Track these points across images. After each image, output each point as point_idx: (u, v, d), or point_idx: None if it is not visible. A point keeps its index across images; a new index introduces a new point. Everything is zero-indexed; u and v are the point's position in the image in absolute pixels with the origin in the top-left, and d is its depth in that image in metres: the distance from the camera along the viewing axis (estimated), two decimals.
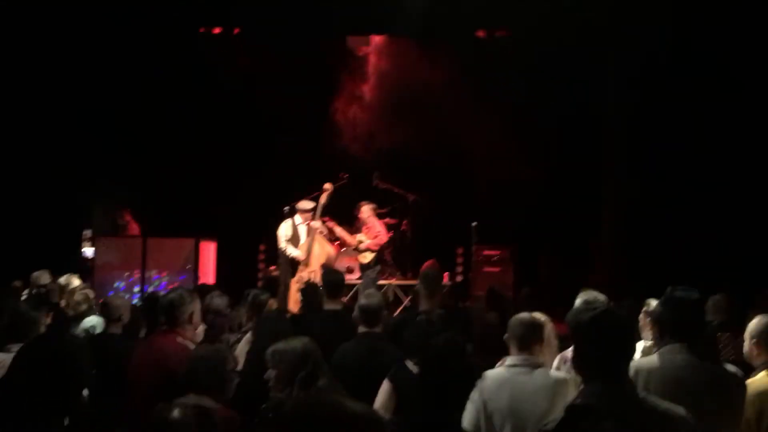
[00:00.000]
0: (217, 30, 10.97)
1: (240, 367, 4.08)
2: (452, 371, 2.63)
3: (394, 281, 10.17)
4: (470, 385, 2.66)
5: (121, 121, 10.43)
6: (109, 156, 10.38)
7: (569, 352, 3.61)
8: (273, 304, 4.83)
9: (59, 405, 2.40)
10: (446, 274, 9.68)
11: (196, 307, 4.24)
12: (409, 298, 9.93)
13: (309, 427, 1.20)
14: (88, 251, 10.45)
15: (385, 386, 3.86)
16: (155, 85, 10.47)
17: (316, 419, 1.20)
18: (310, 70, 10.97)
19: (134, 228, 10.51)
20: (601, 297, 4.07)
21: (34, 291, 6.52)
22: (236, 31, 10.98)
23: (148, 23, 9.80)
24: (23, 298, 6.39)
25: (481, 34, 10.87)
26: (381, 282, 9.88)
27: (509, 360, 3.50)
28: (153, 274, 9.16)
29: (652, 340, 3.51)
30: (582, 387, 2.37)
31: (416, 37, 10.74)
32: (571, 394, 3.33)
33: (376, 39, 11.13)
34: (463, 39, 10.81)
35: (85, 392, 3.57)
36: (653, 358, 3.10)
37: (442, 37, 10.67)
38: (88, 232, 10.78)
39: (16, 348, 3.00)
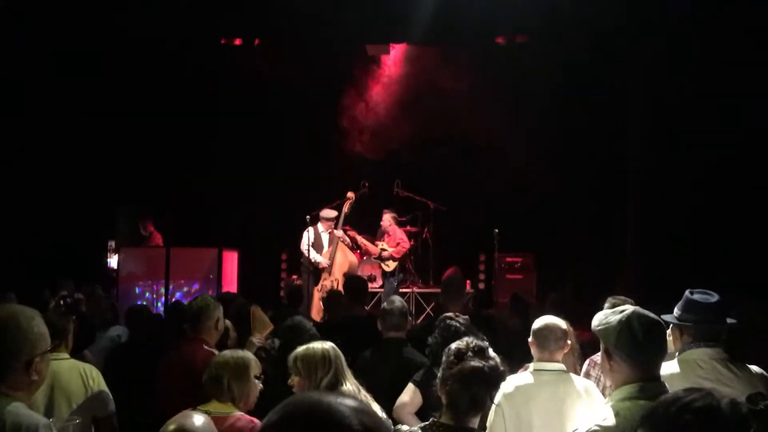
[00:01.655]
0: (238, 41, 11.05)
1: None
2: (476, 374, 2.60)
3: (416, 289, 10.15)
4: (494, 389, 2.64)
5: (145, 132, 10.53)
6: (133, 167, 10.49)
7: (598, 357, 3.58)
8: (256, 312, 4.82)
9: None
10: (468, 282, 9.64)
11: (220, 314, 4.27)
12: (431, 306, 9.89)
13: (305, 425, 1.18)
14: (113, 261, 10.56)
15: (410, 386, 3.85)
16: (177, 97, 10.58)
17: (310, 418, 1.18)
18: (331, 78, 11.01)
19: (157, 238, 10.60)
20: (629, 301, 4.02)
21: (60, 300, 6.59)
22: (257, 42, 11.05)
23: (171, 35, 9.90)
24: (50, 307, 6.45)
25: (500, 40, 10.82)
26: (403, 290, 9.87)
27: (533, 365, 3.48)
28: (176, 283, 9.22)
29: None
30: (616, 390, 2.33)
31: (435, 44, 10.77)
32: (597, 400, 3.29)
33: (396, 47, 11.14)
34: (483, 45, 10.79)
35: (112, 406, 3.60)
36: (673, 363, 3.05)
37: (461, 44, 10.67)
38: (112, 243, 10.89)
39: None
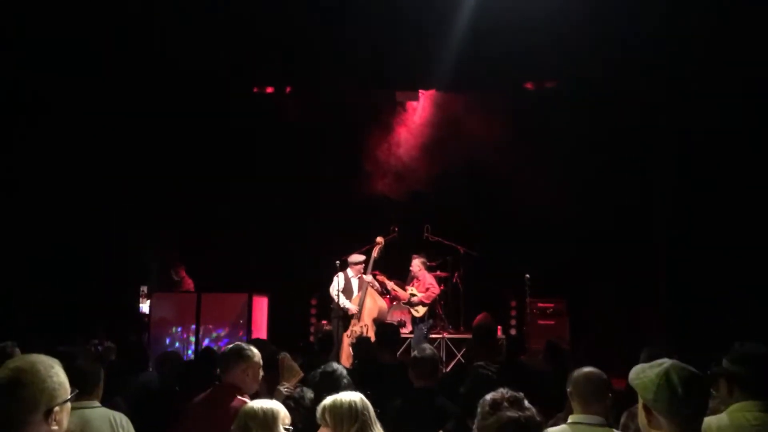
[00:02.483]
0: (270, 89, 11.26)
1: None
2: (513, 426, 2.54)
3: (446, 335, 10.04)
4: None
5: (179, 179, 10.71)
6: (168, 214, 10.65)
7: (636, 408, 3.47)
8: (285, 360, 4.73)
9: None
10: (500, 327, 9.52)
11: (255, 361, 4.18)
12: (462, 352, 9.77)
13: None
14: (145, 307, 10.65)
15: None
16: (209, 144, 10.77)
17: None
18: (362, 125, 11.13)
19: (189, 283, 10.69)
20: (663, 352, 3.92)
21: (92, 347, 6.64)
22: (288, 89, 11.25)
23: (203, 83, 10.12)
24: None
25: (529, 86, 10.88)
26: (433, 335, 9.77)
27: (573, 417, 3.38)
28: (206, 328, 9.25)
29: (717, 397, 3.35)
30: None
31: (463, 91, 10.86)
32: None
33: (425, 93, 11.25)
34: (512, 91, 10.85)
35: None
36: (723, 416, 2.96)
37: (489, 89, 10.74)
38: (144, 288, 11.00)
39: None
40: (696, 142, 8.98)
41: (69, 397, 2.29)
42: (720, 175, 8.75)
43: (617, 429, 3.57)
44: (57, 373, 2.26)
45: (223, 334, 9.12)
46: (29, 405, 2.18)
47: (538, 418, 2.63)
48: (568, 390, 3.43)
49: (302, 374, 4.70)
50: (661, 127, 9.92)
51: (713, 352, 4.19)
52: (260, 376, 4.20)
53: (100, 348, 6.38)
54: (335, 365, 4.42)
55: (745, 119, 8.40)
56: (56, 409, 2.21)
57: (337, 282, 9.17)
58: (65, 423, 2.28)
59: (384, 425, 3.38)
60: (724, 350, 3.32)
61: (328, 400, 3.25)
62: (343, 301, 9.07)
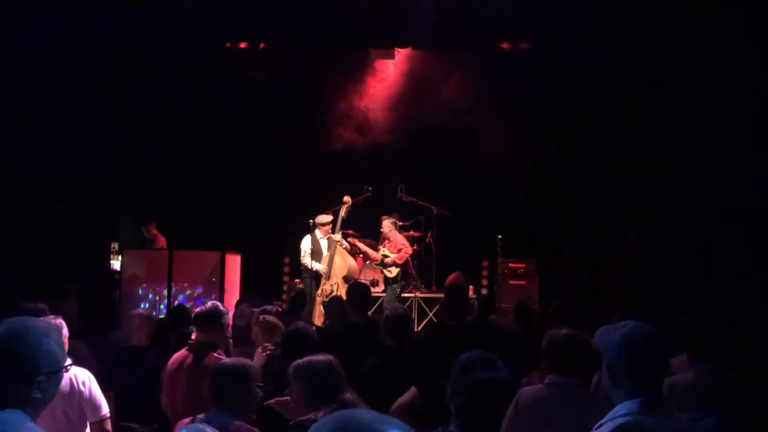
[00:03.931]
0: (243, 44, 11.04)
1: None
2: (485, 385, 2.58)
3: (419, 294, 10.13)
4: (506, 401, 2.62)
5: (148, 136, 10.51)
6: (137, 170, 10.48)
7: None
8: (265, 319, 4.83)
9: None
10: (471, 287, 9.63)
11: (226, 318, 4.29)
12: (434, 311, 9.88)
13: None
14: (116, 264, 10.56)
15: (412, 391, 3.80)
16: (181, 100, 10.55)
17: None
18: (334, 81, 10.99)
19: (161, 241, 10.61)
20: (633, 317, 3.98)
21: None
22: (262, 45, 11.04)
23: (174, 38, 9.88)
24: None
25: (505, 45, 10.80)
26: (406, 295, 9.86)
27: (550, 378, 3.42)
28: (179, 286, 9.21)
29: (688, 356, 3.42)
30: (619, 405, 2.31)
31: (440, 49, 10.76)
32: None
33: (401, 51, 11.11)
34: (488, 50, 10.77)
35: (105, 411, 3.58)
36: (688, 375, 3.03)
37: (466, 49, 10.66)
38: (115, 245, 10.89)
39: None
40: (673, 109, 9.00)
41: (60, 367, 2.28)
42: (696, 138, 8.79)
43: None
44: (48, 343, 2.25)
45: (197, 293, 9.11)
46: (16, 372, 2.18)
47: (510, 379, 2.68)
48: (544, 350, 3.47)
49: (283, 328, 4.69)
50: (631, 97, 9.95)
51: (679, 313, 4.30)
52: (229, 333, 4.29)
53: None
54: (300, 325, 4.45)
55: (711, 94, 8.42)
56: (41, 377, 2.20)
57: (306, 243, 9.18)
58: (52, 392, 2.27)
59: (355, 385, 3.42)
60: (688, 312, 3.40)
61: (300, 361, 3.26)
62: (313, 264, 9.08)
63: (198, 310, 4.36)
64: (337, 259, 9.12)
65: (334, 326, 5.79)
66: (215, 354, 4.09)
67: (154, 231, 10.66)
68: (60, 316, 3.79)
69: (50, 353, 2.25)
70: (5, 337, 2.21)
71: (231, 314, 5.30)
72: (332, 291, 8.77)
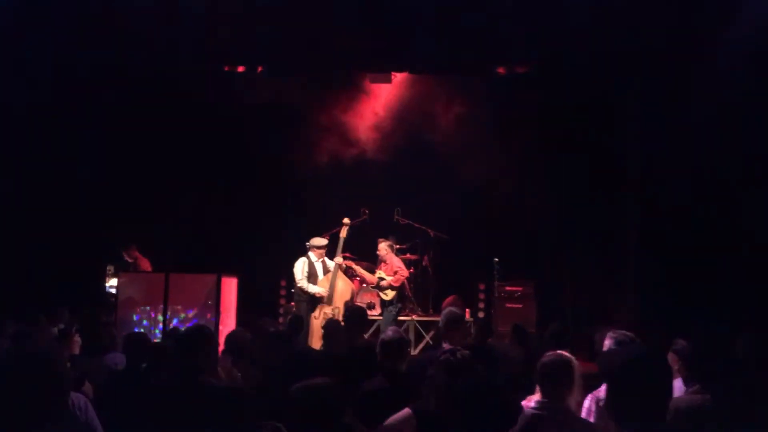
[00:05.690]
0: (241, 68, 11.09)
1: None
2: (483, 413, 2.58)
3: (415, 317, 10.11)
4: (508, 423, 2.61)
5: (147, 158, 10.54)
6: (135, 193, 10.49)
7: (602, 392, 3.53)
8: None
9: None
10: (468, 310, 9.61)
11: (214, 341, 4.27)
12: (431, 334, 9.85)
13: None
14: (110, 287, 10.50)
15: (405, 412, 3.75)
16: (179, 123, 10.59)
17: None
18: (329, 104, 11.06)
19: (144, 263, 10.54)
20: (629, 336, 3.99)
21: (54, 329, 6.55)
22: (259, 69, 11.10)
23: (173, 62, 9.95)
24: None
25: (501, 70, 10.89)
26: (402, 318, 9.83)
27: (538, 403, 3.41)
28: (173, 309, 9.15)
29: (683, 378, 3.42)
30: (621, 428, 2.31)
31: (436, 73, 10.84)
32: None
33: (397, 75, 11.18)
34: (484, 75, 10.86)
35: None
36: (695, 397, 3.03)
37: (461, 74, 10.74)
38: (111, 268, 10.83)
39: None
40: (668, 132, 9.07)
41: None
42: (695, 155, 8.83)
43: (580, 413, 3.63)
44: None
45: (191, 315, 9.05)
46: (61, 384, 2.18)
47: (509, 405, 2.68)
48: (537, 376, 3.47)
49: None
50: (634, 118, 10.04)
51: (677, 337, 4.29)
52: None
53: (62, 327, 6.27)
54: (298, 350, 4.44)
55: (708, 117, 8.49)
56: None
57: (300, 266, 9.13)
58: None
59: (353, 407, 3.40)
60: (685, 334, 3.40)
61: (298, 385, 3.24)
62: (311, 288, 9.01)
63: (184, 331, 4.35)
64: (339, 283, 9.04)
65: (333, 350, 5.77)
66: (207, 378, 4.05)
67: (136, 253, 10.57)
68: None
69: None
70: (44, 354, 2.20)
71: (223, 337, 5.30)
72: (334, 315, 8.66)
